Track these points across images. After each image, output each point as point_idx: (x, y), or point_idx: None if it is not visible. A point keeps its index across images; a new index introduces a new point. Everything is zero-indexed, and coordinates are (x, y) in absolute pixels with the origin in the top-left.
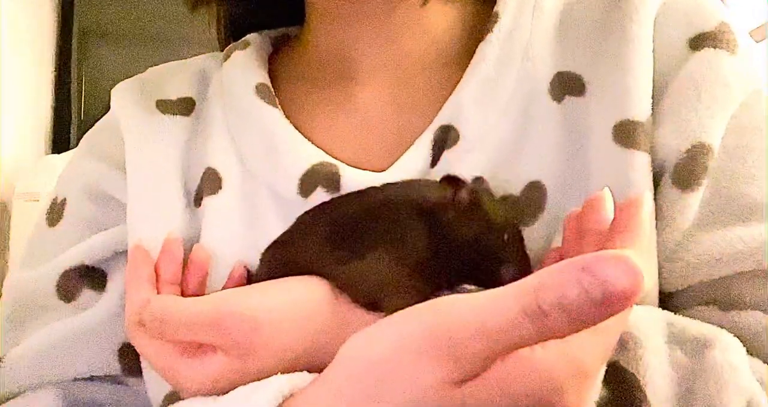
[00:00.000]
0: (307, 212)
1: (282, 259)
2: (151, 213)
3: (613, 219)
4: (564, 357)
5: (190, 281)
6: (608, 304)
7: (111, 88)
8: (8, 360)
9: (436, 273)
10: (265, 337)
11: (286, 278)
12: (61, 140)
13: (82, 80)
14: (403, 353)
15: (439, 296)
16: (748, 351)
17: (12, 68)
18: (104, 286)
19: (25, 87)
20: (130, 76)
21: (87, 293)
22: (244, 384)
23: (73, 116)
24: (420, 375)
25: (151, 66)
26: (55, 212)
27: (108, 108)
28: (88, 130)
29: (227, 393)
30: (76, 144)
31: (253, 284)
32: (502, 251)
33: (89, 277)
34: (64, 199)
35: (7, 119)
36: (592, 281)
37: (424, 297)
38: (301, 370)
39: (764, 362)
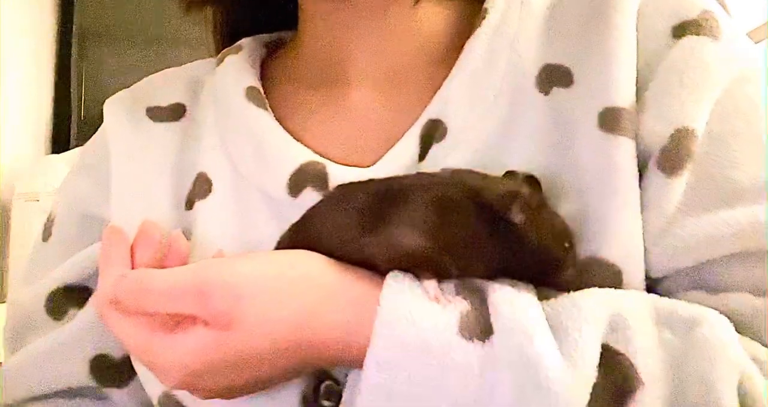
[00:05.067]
0: (339, 188)
1: (302, 230)
2: (139, 216)
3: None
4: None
5: (169, 266)
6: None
7: (111, 88)
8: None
9: (473, 262)
10: (248, 307)
11: (271, 251)
12: (61, 140)
13: (82, 80)
14: None
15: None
16: (738, 332)
17: (12, 68)
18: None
19: (25, 87)
20: (130, 76)
21: (73, 312)
22: (225, 361)
23: (73, 116)
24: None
25: (151, 66)
26: (47, 229)
27: None
28: (87, 130)
29: (207, 372)
30: (76, 144)
31: (235, 255)
32: (564, 258)
33: (73, 296)
34: (55, 217)
35: (7, 119)
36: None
37: (449, 276)
38: (288, 347)
39: (753, 340)
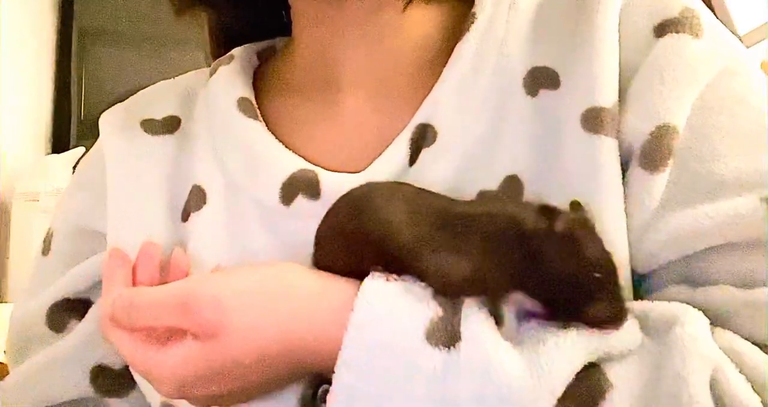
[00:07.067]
0: (386, 189)
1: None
2: (135, 229)
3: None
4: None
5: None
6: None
7: (111, 88)
8: (1, 387)
9: (526, 289)
10: (234, 316)
11: (255, 264)
12: (61, 140)
13: (82, 80)
14: None
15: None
16: (720, 325)
17: (12, 68)
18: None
19: (25, 87)
20: (130, 76)
21: (73, 324)
22: (214, 370)
23: (73, 116)
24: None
25: (150, 66)
26: (46, 243)
27: (107, 108)
28: (87, 130)
29: (197, 381)
30: (76, 144)
31: (221, 269)
32: (589, 289)
33: (73, 308)
34: (54, 231)
35: (7, 119)
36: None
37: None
38: (276, 353)
39: (736, 333)
